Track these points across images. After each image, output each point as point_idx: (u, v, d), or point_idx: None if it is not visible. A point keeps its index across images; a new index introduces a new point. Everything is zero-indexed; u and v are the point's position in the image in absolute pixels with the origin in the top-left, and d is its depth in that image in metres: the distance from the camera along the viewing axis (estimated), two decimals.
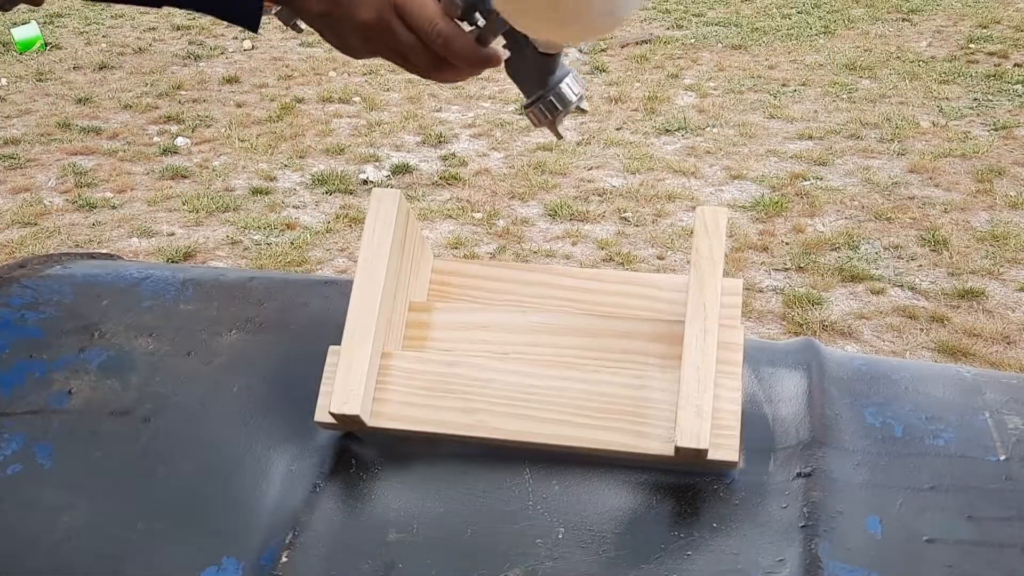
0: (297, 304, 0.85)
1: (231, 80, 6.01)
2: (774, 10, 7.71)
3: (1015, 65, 6.04)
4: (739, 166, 4.68)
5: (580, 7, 0.65)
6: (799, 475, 0.68)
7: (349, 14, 0.75)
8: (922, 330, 3.30)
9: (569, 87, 0.84)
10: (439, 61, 0.79)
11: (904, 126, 5.09)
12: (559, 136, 0.89)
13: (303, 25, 0.86)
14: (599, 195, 4.40)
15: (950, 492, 0.66)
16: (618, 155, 4.85)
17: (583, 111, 0.89)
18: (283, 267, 3.80)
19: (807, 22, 7.30)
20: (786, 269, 3.73)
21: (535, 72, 0.84)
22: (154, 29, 7.05)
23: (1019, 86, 5.64)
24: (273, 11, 0.88)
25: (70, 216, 4.31)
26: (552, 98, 0.84)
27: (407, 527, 0.67)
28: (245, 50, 6.59)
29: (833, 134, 5.04)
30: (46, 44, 6.53)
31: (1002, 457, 0.68)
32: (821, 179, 4.51)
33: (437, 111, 5.53)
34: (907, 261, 3.76)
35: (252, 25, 0.81)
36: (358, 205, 4.31)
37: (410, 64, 0.79)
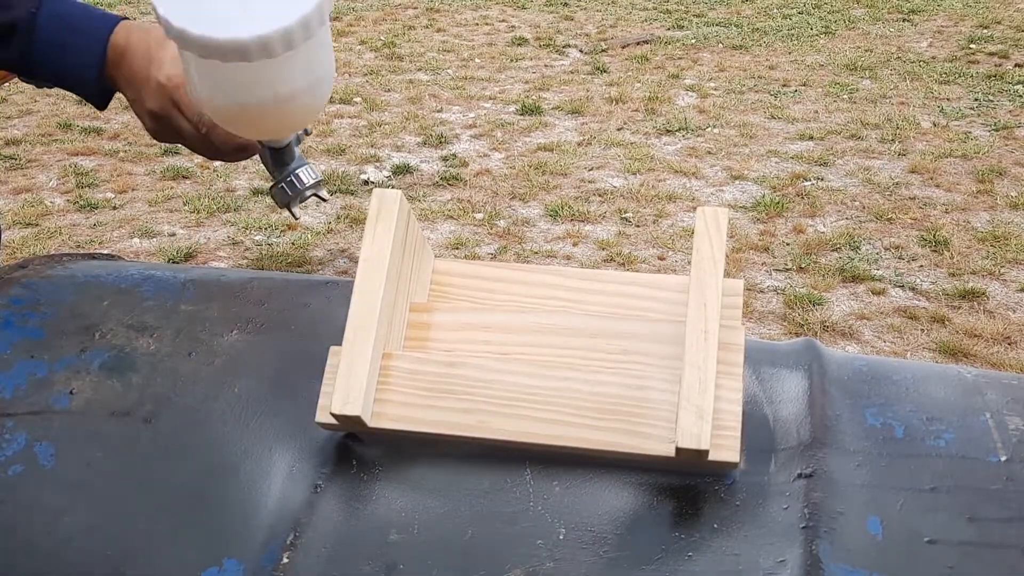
0: (298, 305, 0.85)
1: None
2: (775, 10, 7.71)
3: (1016, 65, 6.04)
4: (740, 166, 4.68)
5: (255, 125, 0.82)
6: (800, 476, 0.68)
7: (141, 101, 0.96)
8: (923, 331, 3.30)
9: (303, 175, 1.01)
10: (214, 147, 0.97)
11: (905, 126, 5.09)
12: (295, 217, 1.08)
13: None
14: (600, 196, 4.40)
15: (951, 493, 0.66)
16: (619, 155, 4.85)
17: (322, 199, 1.06)
18: (284, 268, 3.80)
19: (808, 22, 7.30)
20: (787, 269, 3.73)
21: (272, 161, 1.00)
22: None
23: (1020, 86, 5.64)
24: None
25: (71, 217, 4.31)
26: (284, 185, 1.01)
27: (408, 528, 0.67)
28: None
29: (834, 134, 5.04)
30: None
31: (1003, 458, 0.68)
32: (822, 179, 4.51)
33: (438, 111, 5.53)
34: (908, 261, 3.76)
35: (100, 104, 1.02)
36: (359, 206, 4.31)
37: (196, 148, 0.98)
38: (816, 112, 5.38)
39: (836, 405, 0.73)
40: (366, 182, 4.60)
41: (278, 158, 0.99)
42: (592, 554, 0.65)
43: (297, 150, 1.00)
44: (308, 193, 1.01)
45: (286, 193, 1.01)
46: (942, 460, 0.68)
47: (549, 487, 0.69)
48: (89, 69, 0.98)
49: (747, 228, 4.05)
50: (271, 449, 0.73)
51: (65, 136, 5.18)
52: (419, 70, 6.29)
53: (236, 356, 0.79)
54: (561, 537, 0.66)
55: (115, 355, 0.80)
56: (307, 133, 1.02)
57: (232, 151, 0.98)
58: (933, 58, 6.29)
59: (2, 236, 0.99)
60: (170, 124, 0.96)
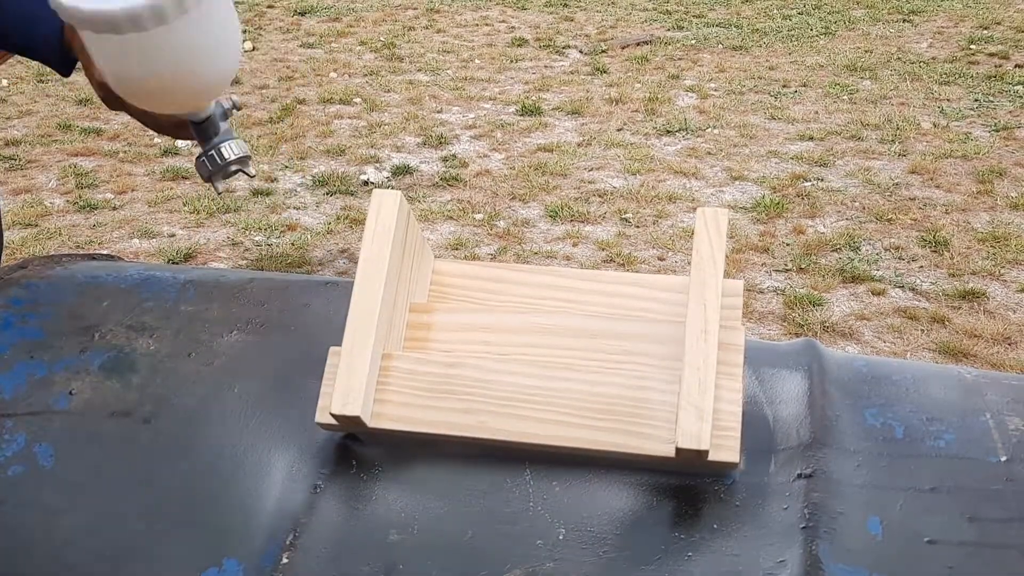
0: (298, 305, 0.85)
1: (231, 81, 6.01)
2: (775, 11, 7.72)
3: (1016, 66, 6.04)
4: (740, 167, 4.68)
5: (154, 98, 0.86)
6: (800, 476, 0.68)
7: (90, 70, 0.99)
8: (923, 331, 3.30)
9: (224, 150, 1.01)
10: (154, 118, 1.01)
11: (905, 127, 5.09)
12: (217, 191, 1.07)
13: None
14: (600, 196, 4.40)
15: (951, 493, 0.66)
16: (619, 156, 4.85)
17: (248, 174, 1.06)
18: (284, 268, 3.80)
19: (808, 23, 7.31)
20: (787, 270, 3.73)
21: (196, 134, 1.02)
22: None
23: (1020, 87, 5.64)
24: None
25: (71, 217, 4.31)
26: (206, 158, 1.02)
27: (408, 528, 0.67)
28: (245, 51, 6.59)
29: (834, 135, 5.04)
30: None
31: (1003, 458, 0.68)
32: (822, 180, 4.51)
33: (438, 112, 5.53)
34: (908, 262, 3.76)
35: (64, 72, 1.06)
36: (359, 206, 4.31)
37: (140, 119, 1.03)
38: (816, 113, 5.38)
39: (836, 405, 0.73)
40: (366, 183, 4.60)
41: (201, 131, 1.01)
42: (592, 554, 0.65)
43: (224, 124, 1.01)
44: (232, 168, 1.02)
45: (206, 167, 1.01)
46: (942, 460, 0.68)
47: (549, 487, 0.69)
48: (54, 37, 1.03)
49: (747, 229, 4.05)
50: (271, 449, 0.73)
51: (65, 137, 5.18)
52: (419, 71, 6.29)
53: (236, 356, 0.79)
54: (561, 537, 0.66)
55: (115, 356, 0.80)
56: (236, 108, 1.03)
57: (171, 126, 1.01)
58: (933, 59, 6.29)
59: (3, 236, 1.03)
60: (118, 98, 0.98)
